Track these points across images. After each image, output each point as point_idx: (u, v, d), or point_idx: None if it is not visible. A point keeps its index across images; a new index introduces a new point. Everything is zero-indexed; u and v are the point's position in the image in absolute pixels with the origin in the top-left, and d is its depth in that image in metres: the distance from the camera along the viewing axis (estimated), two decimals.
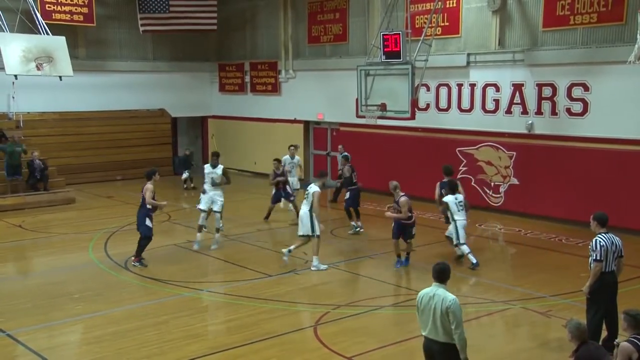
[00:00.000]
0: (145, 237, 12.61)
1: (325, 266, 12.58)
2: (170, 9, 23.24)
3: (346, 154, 17.49)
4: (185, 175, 22.35)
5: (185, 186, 22.24)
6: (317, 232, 12.43)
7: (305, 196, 12.62)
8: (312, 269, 12.47)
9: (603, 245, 8.16)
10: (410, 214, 12.43)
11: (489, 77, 17.52)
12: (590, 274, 8.24)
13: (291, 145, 17.86)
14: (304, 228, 12.50)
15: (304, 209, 12.52)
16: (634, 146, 14.89)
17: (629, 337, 6.35)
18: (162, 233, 15.19)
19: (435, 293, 6.50)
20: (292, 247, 12.72)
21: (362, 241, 15.01)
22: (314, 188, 12.52)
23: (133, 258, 12.68)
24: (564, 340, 8.58)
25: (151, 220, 12.70)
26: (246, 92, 25.42)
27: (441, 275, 6.59)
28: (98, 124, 23.79)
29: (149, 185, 12.51)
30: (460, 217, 12.56)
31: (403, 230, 12.56)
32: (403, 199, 12.33)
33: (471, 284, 11.72)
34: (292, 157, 17.45)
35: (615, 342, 6.97)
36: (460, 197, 12.73)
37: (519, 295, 10.95)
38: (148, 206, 12.51)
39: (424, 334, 6.62)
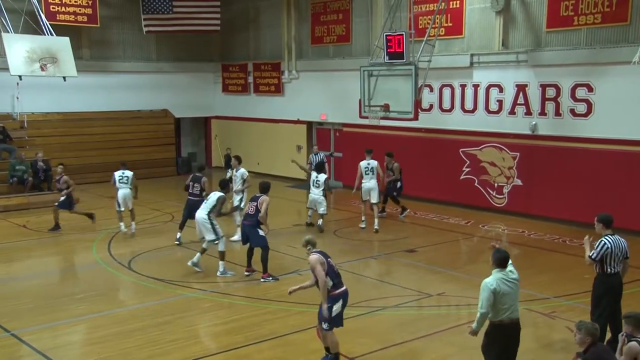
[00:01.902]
0: (264, 247, 11.92)
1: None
2: (173, 10, 23.29)
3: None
4: (228, 174, 22.03)
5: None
6: (380, 200, 16.28)
7: (370, 170, 15.82)
8: (375, 227, 15.71)
9: (607, 248, 8.15)
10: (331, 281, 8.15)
11: (493, 77, 17.50)
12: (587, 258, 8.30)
13: (231, 156, 15.66)
14: (375, 197, 15.81)
15: (373, 182, 15.80)
16: (638, 147, 14.85)
17: (636, 337, 6.34)
18: (166, 233, 15.21)
19: (508, 276, 7.08)
20: (363, 217, 16.17)
21: (365, 242, 15.02)
22: (376, 162, 16.05)
23: (262, 275, 11.91)
24: (567, 341, 8.60)
25: (261, 229, 11.93)
26: (249, 92, 25.44)
27: (505, 262, 7.16)
28: (102, 124, 23.85)
29: (267, 197, 11.94)
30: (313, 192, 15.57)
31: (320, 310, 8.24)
32: (314, 256, 8.18)
33: (475, 284, 11.66)
34: (236, 169, 15.37)
35: (620, 335, 6.94)
36: (322, 176, 15.73)
37: (522, 297, 10.76)
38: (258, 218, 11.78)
39: (509, 317, 6.98)
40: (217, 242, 12.19)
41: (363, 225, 16.05)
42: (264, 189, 12.15)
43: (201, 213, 12.27)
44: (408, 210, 17.40)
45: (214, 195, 12.34)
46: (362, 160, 16.07)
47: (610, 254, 8.16)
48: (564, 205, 16.08)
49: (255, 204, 11.88)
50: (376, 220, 15.81)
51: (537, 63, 16.49)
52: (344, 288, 8.20)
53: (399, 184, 17.23)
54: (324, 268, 8.06)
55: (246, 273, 12.12)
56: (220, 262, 12.20)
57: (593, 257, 8.20)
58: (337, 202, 19.51)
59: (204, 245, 12.37)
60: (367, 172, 15.84)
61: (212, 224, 12.14)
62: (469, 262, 13.69)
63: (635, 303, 8.96)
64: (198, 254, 12.34)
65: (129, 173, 15.46)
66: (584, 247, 8.44)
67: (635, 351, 6.20)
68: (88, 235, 15.56)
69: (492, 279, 7.00)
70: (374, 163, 15.88)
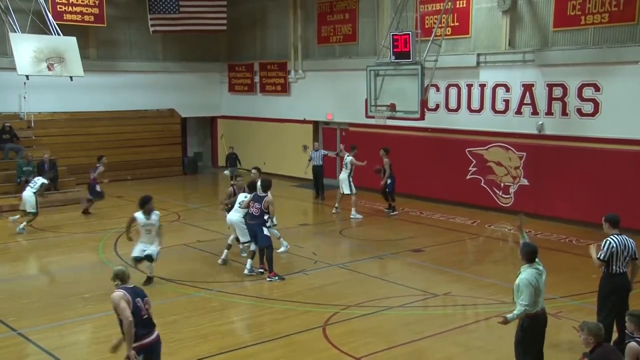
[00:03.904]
0: (269, 246, 11.98)
1: (361, 215, 17.21)
2: (180, 10, 23.33)
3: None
4: (227, 172, 22.03)
5: (232, 183, 21.80)
6: (355, 191, 17.38)
7: (344, 165, 17.46)
8: (351, 217, 17.16)
9: (613, 247, 8.12)
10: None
11: (499, 77, 17.46)
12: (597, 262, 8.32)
13: (254, 168, 14.34)
14: (346, 189, 17.32)
15: (344, 174, 17.36)
16: None
17: (635, 337, 6.32)
18: (172, 233, 15.24)
19: (539, 269, 7.24)
20: (337, 204, 17.76)
21: (371, 242, 15.01)
22: (349, 157, 17.43)
23: (268, 274, 11.91)
24: (574, 342, 8.56)
25: (267, 229, 12.14)
26: (256, 92, 25.46)
27: (534, 256, 7.29)
28: (108, 124, 23.90)
29: (272, 197, 12.04)
30: None
31: None
32: (118, 293, 6.72)
33: (481, 285, 11.69)
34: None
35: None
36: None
37: None
38: (265, 217, 11.99)
39: (541, 307, 7.21)
40: (249, 243, 12.40)
41: (333, 211, 17.84)
42: (267, 187, 12.06)
43: (236, 216, 12.48)
44: (397, 213, 17.65)
45: (241, 197, 12.55)
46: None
47: (615, 253, 8.14)
48: (570, 205, 16.02)
49: (259, 206, 11.89)
50: (353, 209, 17.35)
51: (544, 63, 16.44)
52: (151, 338, 6.73)
53: (389, 180, 17.49)
54: (129, 308, 6.57)
55: (260, 270, 12.17)
56: (250, 261, 12.27)
57: (601, 257, 8.18)
58: (342, 200, 19.48)
59: (244, 250, 12.75)
60: (343, 165, 17.68)
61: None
62: (475, 262, 13.67)
63: None
64: (249, 260, 12.35)
65: None
66: (590, 253, 8.44)
67: (636, 351, 6.18)
68: (94, 234, 15.60)
69: (529, 275, 7.12)
70: (348, 158, 17.51)
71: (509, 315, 7.19)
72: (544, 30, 16.57)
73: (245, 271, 12.25)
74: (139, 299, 6.73)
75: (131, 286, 6.87)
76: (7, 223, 16.26)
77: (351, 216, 17.21)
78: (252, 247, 12.31)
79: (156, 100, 25.34)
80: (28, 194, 15.86)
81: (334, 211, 17.80)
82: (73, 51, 19.85)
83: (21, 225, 15.72)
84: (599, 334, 6.29)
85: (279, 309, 10.48)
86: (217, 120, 27.40)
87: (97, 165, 18.17)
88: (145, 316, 6.73)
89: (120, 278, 6.87)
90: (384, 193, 17.74)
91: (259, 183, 12.23)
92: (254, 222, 11.96)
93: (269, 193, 12.11)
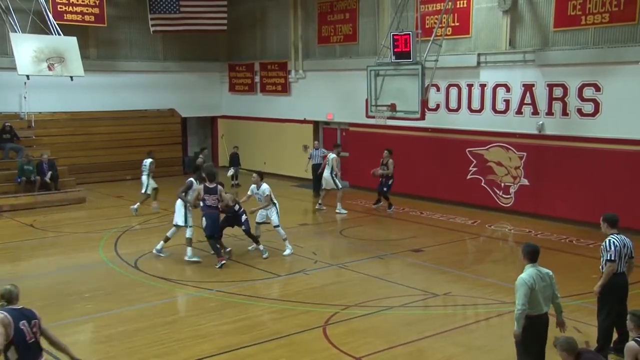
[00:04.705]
0: (209, 236, 12.93)
1: (345, 211, 17.58)
2: (180, 10, 23.33)
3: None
4: (230, 172, 22.22)
5: (231, 183, 21.93)
6: (340, 186, 17.76)
7: (327, 162, 17.83)
8: (337, 211, 17.61)
9: (616, 246, 8.12)
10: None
11: (500, 77, 17.44)
12: (603, 274, 8.20)
13: (255, 172, 13.87)
14: (328, 184, 17.75)
15: (327, 172, 17.66)
16: None
17: (634, 337, 6.33)
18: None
19: (541, 271, 7.17)
20: (320, 201, 18.19)
21: (370, 242, 15.00)
22: (332, 155, 17.82)
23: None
24: None
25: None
26: (256, 92, 25.46)
27: (536, 256, 7.20)
28: (108, 123, 23.91)
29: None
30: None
31: None
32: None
33: (481, 284, 11.68)
34: (257, 188, 13.54)
35: None
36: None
37: None
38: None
39: (541, 312, 7.13)
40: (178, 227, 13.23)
41: (317, 207, 18.22)
42: (212, 178, 12.80)
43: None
44: (394, 207, 18.11)
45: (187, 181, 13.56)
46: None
47: (618, 252, 8.13)
48: (571, 205, 16.01)
49: (213, 196, 12.62)
50: (338, 204, 17.79)
51: (544, 63, 16.44)
52: None
53: (390, 181, 17.76)
54: (9, 332, 5.95)
55: (223, 262, 12.53)
56: (188, 248, 13.02)
57: (611, 258, 8.09)
58: (341, 200, 19.48)
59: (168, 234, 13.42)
60: (326, 162, 17.99)
61: (185, 209, 13.16)
62: (476, 262, 13.67)
63: None
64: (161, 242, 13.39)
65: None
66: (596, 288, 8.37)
67: (635, 350, 6.18)
68: (94, 234, 15.61)
69: (527, 275, 7.06)
70: (331, 156, 17.91)
71: (515, 328, 7.14)
72: (544, 30, 16.56)
73: (185, 257, 12.97)
74: (24, 321, 6.11)
75: (18, 307, 6.22)
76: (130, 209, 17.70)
77: (336, 211, 17.64)
78: (188, 233, 13.05)
79: (156, 100, 25.34)
80: (143, 177, 17.76)
81: (317, 207, 18.17)
82: (73, 51, 19.87)
83: (135, 206, 17.59)
84: (569, 348, 6.27)
85: (279, 308, 10.49)
86: (217, 120, 27.40)
87: (200, 156, 19.72)
88: (32, 340, 6.16)
89: (7, 299, 6.19)
90: (381, 192, 18.05)
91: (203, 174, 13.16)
92: (210, 212, 12.64)
93: (263, 184, 13.43)
